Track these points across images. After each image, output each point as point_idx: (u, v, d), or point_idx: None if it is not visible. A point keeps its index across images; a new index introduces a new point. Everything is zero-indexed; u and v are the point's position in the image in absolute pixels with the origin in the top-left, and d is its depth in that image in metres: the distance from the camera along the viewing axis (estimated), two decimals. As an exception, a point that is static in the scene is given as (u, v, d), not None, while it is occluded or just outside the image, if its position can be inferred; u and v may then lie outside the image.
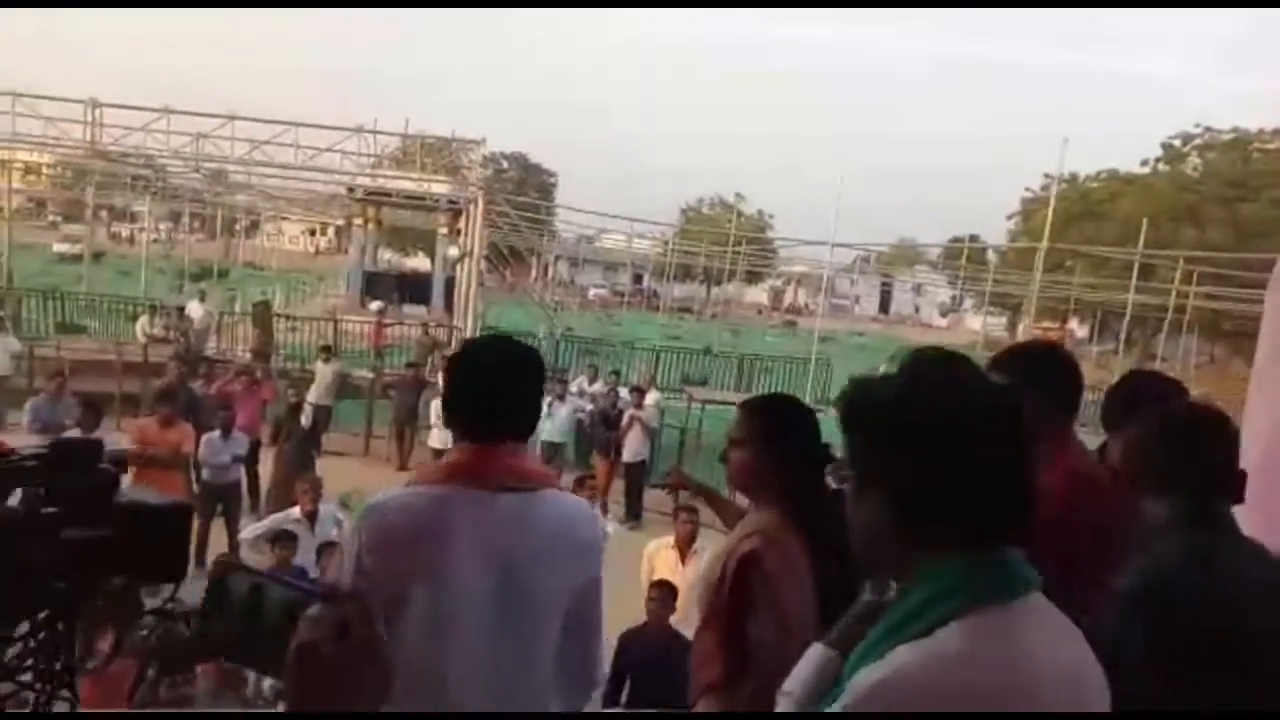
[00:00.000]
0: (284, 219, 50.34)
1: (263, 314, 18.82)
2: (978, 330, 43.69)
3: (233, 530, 8.29)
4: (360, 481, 10.80)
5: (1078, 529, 2.14)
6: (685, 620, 4.64)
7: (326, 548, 6.22)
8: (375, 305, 22.91)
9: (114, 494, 1.10)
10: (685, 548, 6.20)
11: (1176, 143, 34.68)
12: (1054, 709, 1.07)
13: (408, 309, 24.01)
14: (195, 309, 17.24)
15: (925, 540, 1.13)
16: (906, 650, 1.07)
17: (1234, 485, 1.92)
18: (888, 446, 1.15)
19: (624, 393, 12.25)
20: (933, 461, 1.11)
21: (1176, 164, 34.81)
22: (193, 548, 7.85)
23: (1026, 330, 46.50)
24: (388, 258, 39.63)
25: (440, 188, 21.55)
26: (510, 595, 1.71)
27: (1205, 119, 34.20)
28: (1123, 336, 28.29)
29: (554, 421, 11.59)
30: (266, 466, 9.72)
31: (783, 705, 1.38)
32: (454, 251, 19.82)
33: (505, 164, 48.44)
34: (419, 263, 47.69)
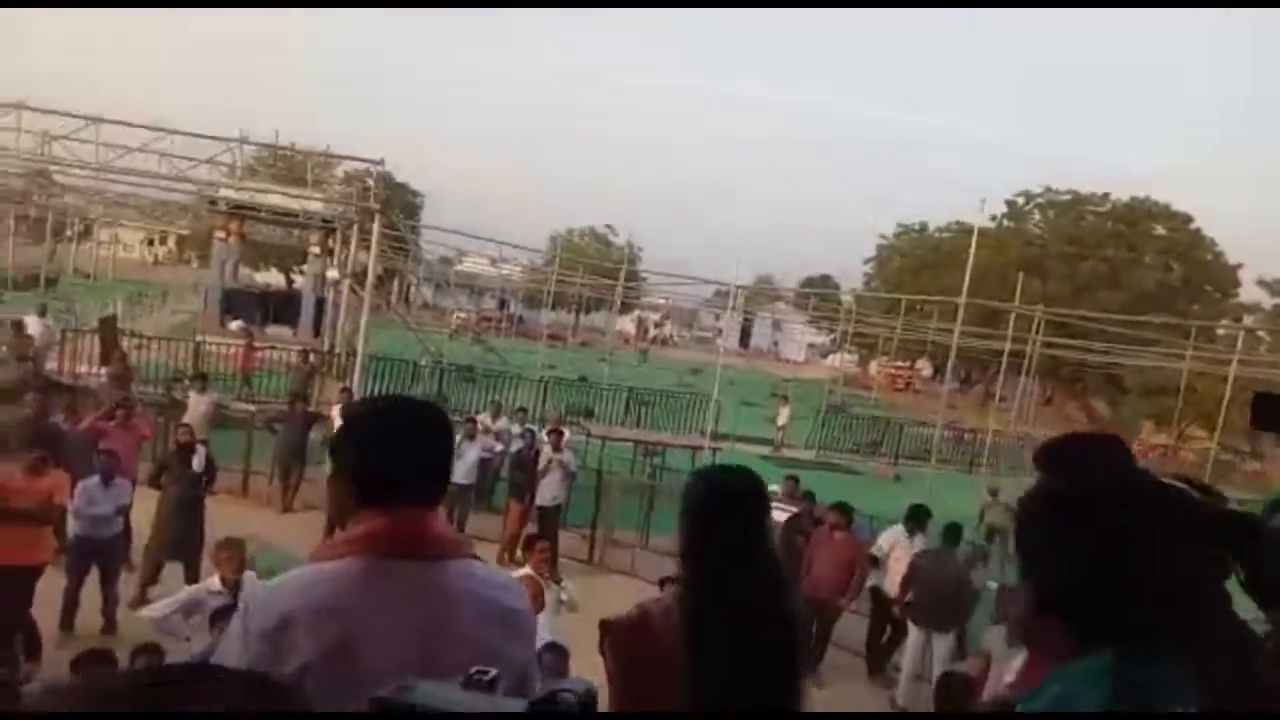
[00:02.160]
0: (121, 225, 46.35)
1: (110, 331, 17.02)
2: (836, 366, 45.63)
3: (110, 594, 7.19)
4: (245, 527, 9.75)
5: None
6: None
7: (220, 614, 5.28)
8: (236, 325, 21.26)
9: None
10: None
11: (1020, 200, 37.37)
12: None
13: (271, 330, 22.41)
14: (34, 324, 15.33)
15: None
16: None
17: None
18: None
19: (539, 432, 11.67)
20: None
21: (1020, 221, 37.48)
22: (60, 613, 6.79)
23: (879, 368, 49.12)
24: (245, 273, 37.18)
25: (316, 205, 20.28)
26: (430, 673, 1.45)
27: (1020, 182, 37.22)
28: (997, 383, 29.82)
29: (462, 463, 10.77)
30: (139, 515, 8.54)
31: None
32: (333, 273, 18.62)
33: (370, 182, 46.50)
34: (271, 279, 44.94)
